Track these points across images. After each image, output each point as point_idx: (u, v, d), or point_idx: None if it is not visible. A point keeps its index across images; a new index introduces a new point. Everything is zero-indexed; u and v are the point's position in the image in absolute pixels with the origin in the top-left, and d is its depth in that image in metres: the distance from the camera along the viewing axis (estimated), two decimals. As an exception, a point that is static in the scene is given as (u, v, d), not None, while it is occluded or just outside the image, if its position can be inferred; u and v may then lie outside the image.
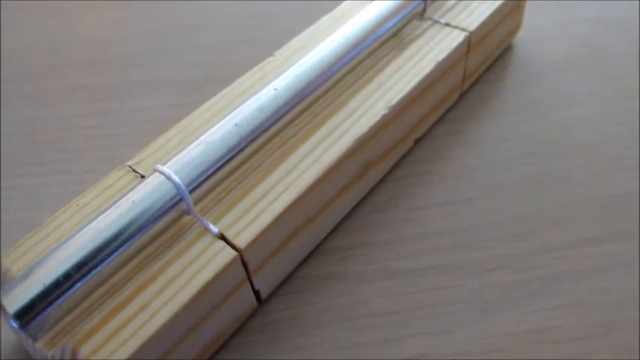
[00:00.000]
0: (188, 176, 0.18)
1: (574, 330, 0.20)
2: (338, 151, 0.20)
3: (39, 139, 0.27)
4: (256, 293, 0.19)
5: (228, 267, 0.17)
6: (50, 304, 0.15)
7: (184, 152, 0.18)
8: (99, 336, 0.16)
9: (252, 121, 0.19)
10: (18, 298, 0.15)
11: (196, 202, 0.18)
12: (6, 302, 0.15)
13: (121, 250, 0.16)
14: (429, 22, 0.25)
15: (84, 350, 0.15)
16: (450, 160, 0.25)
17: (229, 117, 0.19)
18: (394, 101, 0.22)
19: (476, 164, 0.25)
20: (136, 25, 0.34)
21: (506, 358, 0.19)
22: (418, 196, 0.24)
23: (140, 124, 0.27)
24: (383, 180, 0.24)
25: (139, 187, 0.17)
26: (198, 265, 0.17)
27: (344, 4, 0.26)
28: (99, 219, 0.16)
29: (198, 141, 0.19)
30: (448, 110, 0.27)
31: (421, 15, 0.25)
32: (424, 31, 0.24)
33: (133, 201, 0.17)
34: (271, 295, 0.21)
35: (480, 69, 0.28)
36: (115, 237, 0.16)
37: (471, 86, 0.28)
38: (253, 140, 0.19)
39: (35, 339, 0.15)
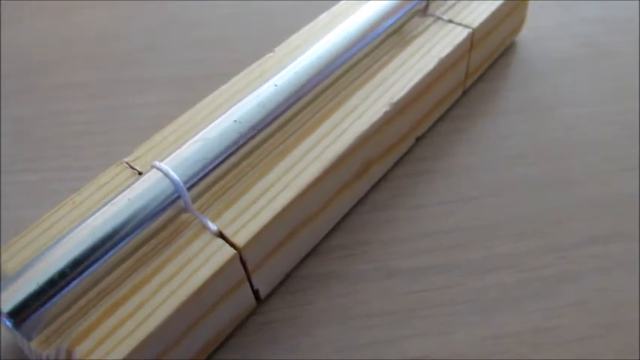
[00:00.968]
0: (186, 173, 0.17)
1: (576, 330, 0.19)
2: (339, 149, 0.20)
3: (36, 135, 0.27)
4: (255, 292, 0.19)
5: (226, 265, 0.17)
6: (44, 303, 0.15)
7: (182, 149, 0.18)
8: (94, 335, 0.15)
9: (252, 118, 0.19)
10: (12, 296, 0.14)
11: (194, 199, 0.18)
12: (3, 300, 0.14)
13: (117, 248, 0.16)
14: (432, 18, 0.25)
15: (79, 350, 0.15)
16: (451, 158, 0.25)
17: (228, 113, 0.19)
18: (396, 98, 0.21)
19: (477, 163, 0.24)
20: (136, 21, 0.33)
21: (507, 358, 0.19)
22: (419, 194, 0.23)
23: (138, 120, 0.27)
24: (384, 178, 0.24)
25: (136, 184, 0.17)
26: (196, 264, 0.17)
27: (343, 1, 0.26)
28: (95, 216, 0.16)
29: (196, 137, 0.18)
30: (450, 108, 0.26)
31: (424, 12, 0.25)
32: (427, 28, 0.24)
33: (129, 198, 0.17)
34: (270, 294, 0.20)
35: (483, 66, 0.27)
36: (111, 235, 0.16)
37: (474, 84, 0.28)
38: (253, 137, 0.19)
39: (29, 338, 0.15)
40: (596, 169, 0.24)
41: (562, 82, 0.28)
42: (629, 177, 0.24)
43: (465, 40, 0.24)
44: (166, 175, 0.17)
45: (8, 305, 0.14)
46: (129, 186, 0.17)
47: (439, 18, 0.25)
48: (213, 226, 0.18)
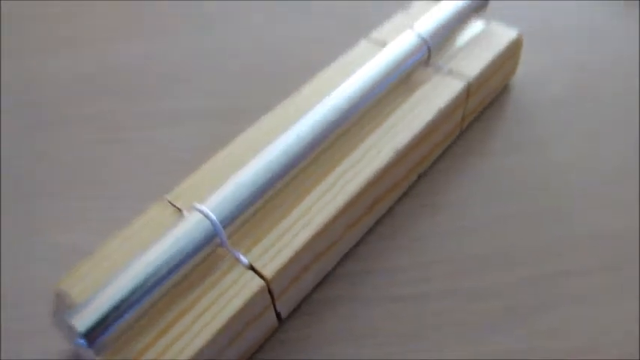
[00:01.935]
0: (223, 214, 0.21)
1: (554, 354, 0.22)
2: (352, 191, 0.23)
3: (72, 162, 0.30)
4: (278, 315, 0.22)
5: (256, 295, 0.20)
6: (110, 325, 0.18)
7: (220, 190, 0.21)
8: (148, 355, 0.18)
9: (278, 164, 0.22)
10: (85, 320, 0.17)
11: (229, 236, 0.21)
12: (75, 323, 0.17)
13: (166, 279, 0.19)
14: (434, 68, 0.28)
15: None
16: (449, 194, 0.28)
17: (257, 159, 0.22)
18: (401, 145, 0.24)
19: (474, 197, 0.27)
20: (170, 54, 0.37)
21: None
22: (420, 226, 0.26)
23: (174, 151, 0.30)
24: (389, 212, 0.27)
25: (180, 225, 0.20)
26: (231, 294, 0.20)
27: (362, 45, 0.29)
28: (148, 252, 0.19)
29: (232, 180, 0.21)
30: (449, 146, 0.30)
31: (427, 62, 0.28)
32: (429, 78, 0.27)
33: (176, 237, 0.20)
34: (289, 315, 0.24)
35: (479, 109, 0.31)
36: (161, 268, 0.19)
37: (470, 123, 0.31)
38: (279, 179, 0.22)
39: (98, 354, 0.18)
40: (583, 207, 0.27)
41: (552, 122, 0.31)
42: (613, 215, 0.27)
43: (462, 91, 0.27)
44: (206, 216, 0.20)
45: (83, 327, 0.17)
46: (174, 226, 0.20)
47: (440, 68, 0.28)
48: (244, 260, 0.21)
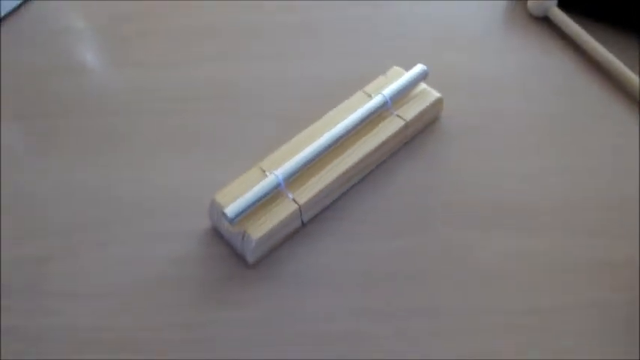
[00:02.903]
0: (284, 175, 0.49)
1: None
2: (341, 170, 0.51)
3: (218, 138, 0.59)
4: (302, 221, 0.51)
5: (293, 213, 0.49)
6: (239, 214, 0.47)
7: (285, 164, 0.50)
8: (248, 226, 0.48)
9: (312, 153, 0.51)
10: (230, 211, 0.47)
11: (286, 185, 0.50)
12: (226, 211, 0.46)
13: (256, 203, 0.48)
14: (391, 112, 0.56)
15: (249, 230, 0.47)
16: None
17: (303, 150, 0.51)
18: (368, 150, 0.52)
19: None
20: (253, 75, 0.64)
21: None
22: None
23: (260, 139, 0.59)
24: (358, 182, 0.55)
25: (264, 180, 0.49)
26: (282, 211, 0.49)
27: (355, 96, 0.57)
28: (251, 191, 0.48)
29: (291, 158, 0.50)
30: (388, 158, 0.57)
31: (388, 110, 0.56)
32: (384, 119, 0.55)
33: (262, 185, 0.48)
34: (308, 222, 0.52)
35: (415, 133, 0.58)
36: (254, 199, 0.48)
37: (407, 144, 0.58)
38: (312, 161, 0.51)
39: (232, 224, 0.47)
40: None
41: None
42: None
43: (402, 127, 0.55)
44: (276, 177, 0.49)
45: (231, 215, 0.46)
46: (263, 179, 0.49)
47: (392, 113, 0.56)
48: (290, 196, 0.49)
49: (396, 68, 0.60)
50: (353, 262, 0.49)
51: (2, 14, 0.70)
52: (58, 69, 0.66)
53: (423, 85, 0.58)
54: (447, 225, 0.51)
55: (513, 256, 0.49)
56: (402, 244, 0.50)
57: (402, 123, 0.55)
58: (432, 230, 0.51)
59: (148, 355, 0.44)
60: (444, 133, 0.59)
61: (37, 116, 0.61)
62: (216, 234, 0.51)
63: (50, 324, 0.46)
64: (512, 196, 0.53)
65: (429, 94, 0.57)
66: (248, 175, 0.51)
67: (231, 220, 0.46)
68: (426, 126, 0.59)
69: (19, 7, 0.72)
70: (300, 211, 0.49)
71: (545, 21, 0.69)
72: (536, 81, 0.63)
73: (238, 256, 0.49)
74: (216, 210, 0.49)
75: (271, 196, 0.49)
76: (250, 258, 0.48)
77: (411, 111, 0.56)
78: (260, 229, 0.47)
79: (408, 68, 0.58)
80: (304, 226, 0.52)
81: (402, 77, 0.57)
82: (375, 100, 0.54)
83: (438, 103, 0.58)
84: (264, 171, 0.51)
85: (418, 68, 0.57)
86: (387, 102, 0.55)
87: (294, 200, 0.49)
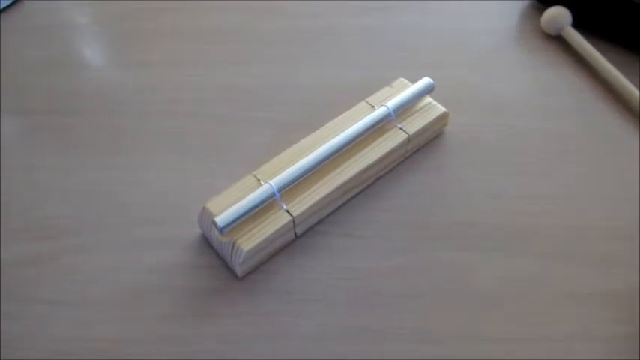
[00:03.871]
0: (279, 185, 0.47)
1: None
2: (339, 182, 0.49)
3: (211, 144, 0.57)
4: (295, 234, 0.49)
5: (286, 224, 0.47)
6: (230, 224, 0.45)
7: (281, 174, 0.48)
8: (237, 236, 0.46)
9: (308, 164, 0.49)
10: (221, 220, 0.45)
11: (280, 195, 0.48)
12: (217, 220, 0.45)
13: (249, 213, 0.46)
14: (394, 124, 0.54)
15: (239, 241, 0.45)
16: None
17: (299, 160, 0.49)
18: (370, 162, 0.51)
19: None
20: (263, 79, 0.63)
21: None
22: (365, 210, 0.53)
23: (257, 146, 0.57)
24: (352, 198, 0.53)
25: (259, 189, 0.47)
26: (274, 222, 0.47)
27: (359, 106, 0.55)
28: (242, 201, 0.46)
29: (286, 169, 0.48)
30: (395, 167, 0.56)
31: (391, 122, 0.54)
32: (388, 131, 0.53)
33: (254, 195, 0.47)
34: (301, 235, 0.50)
35: (418, 147, 0.56)
36: (251, 207, 0.46)
37: (410, 157, 0.56)
38: (308, 171, 0.49)
39: (222, 234, 0.45)
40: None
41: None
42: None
43: (404, 141, 0.53)
44: (271, 186, 0.47)
45: (221, 223, 0.45)
46: (256, 188, 0.47)
47: (396, 126, 0.54)
48: (284, 207, 0.48)
49: (402, 80, 0.58)
50: (345, 279, 0.47)
51: (1, 7, 0.69)
52: (55, 65, 0.64)
53: (428, 99, 0.56)
54: (445, 245, 0.49)
55: (513, 280, 0.47)
56: (397, 262, 0.48)
57: (404, 136, 0.53)
58: (429, 250, 0.49)
59: (127, 366, 0.42)
60: (448, 149, 0.57)
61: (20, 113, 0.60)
62: (207, 243, 0.49)
63: (30, 331, 0.44)
64: (515, 219, 0.51)
65: (434, 108, 0.56)
66: (242, 183, 0.49)
67: (221, 230, 0.45)
68: (429, 140, 0.57)
69: (16, 1, 0.71)
70: (294, 223, 0.48)
71: (557, 40, 0.67)
72: (546, 100, 0.61)
73: (228, 267, 0.48)
74: (206, 218, 0.47)
75: (264, 207, 0.47)
76: (239, 270, 0.46)
77: (414, 124, 0.54)
78: (251, 240, 0.45)
79: (414, 80, 0.56)
80: (297, 239, 0.50)
81: (408, 89, 0.55)
82: (378, 112, 0.53)
83: (443, 118, 0.56)
84: (259, 180, 0.49)
85: (424, 81, 0.55)
86: (390, 114, 0.53)
87: (287, 212, 0.47)
